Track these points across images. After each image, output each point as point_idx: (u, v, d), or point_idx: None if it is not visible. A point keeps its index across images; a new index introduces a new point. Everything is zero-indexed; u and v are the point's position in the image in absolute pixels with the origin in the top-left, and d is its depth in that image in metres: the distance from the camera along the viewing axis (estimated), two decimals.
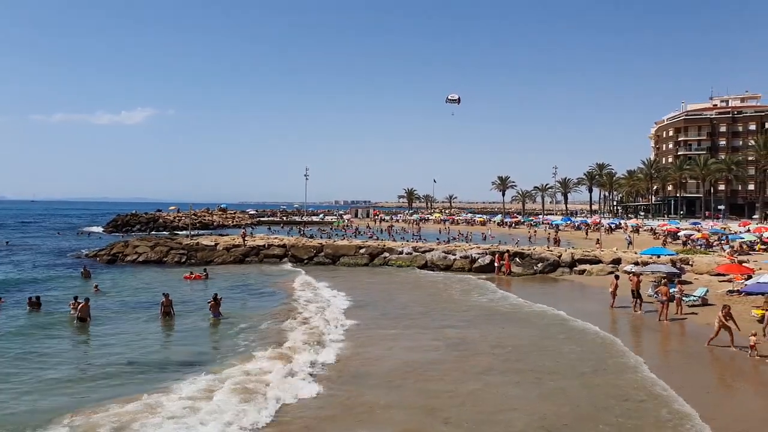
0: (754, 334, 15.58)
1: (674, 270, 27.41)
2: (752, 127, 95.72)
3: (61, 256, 44.55)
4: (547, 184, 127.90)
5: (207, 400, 11.84)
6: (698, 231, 55.88)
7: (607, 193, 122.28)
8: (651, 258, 32.40)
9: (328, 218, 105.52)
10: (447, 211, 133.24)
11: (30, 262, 40.41)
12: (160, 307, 21.21)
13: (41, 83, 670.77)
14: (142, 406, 11.44)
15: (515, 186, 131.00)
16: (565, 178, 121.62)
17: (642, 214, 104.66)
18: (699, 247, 44.22)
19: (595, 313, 21.85)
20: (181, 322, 20.47)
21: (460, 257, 36.20)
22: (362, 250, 38.89)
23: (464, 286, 29.63)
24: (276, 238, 46.35)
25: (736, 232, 53.93)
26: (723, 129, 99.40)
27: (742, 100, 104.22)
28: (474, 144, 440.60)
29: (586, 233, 65.78)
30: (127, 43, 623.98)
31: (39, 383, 13.47)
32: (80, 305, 20.19)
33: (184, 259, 38.77)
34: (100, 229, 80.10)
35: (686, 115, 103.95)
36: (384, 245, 40.24)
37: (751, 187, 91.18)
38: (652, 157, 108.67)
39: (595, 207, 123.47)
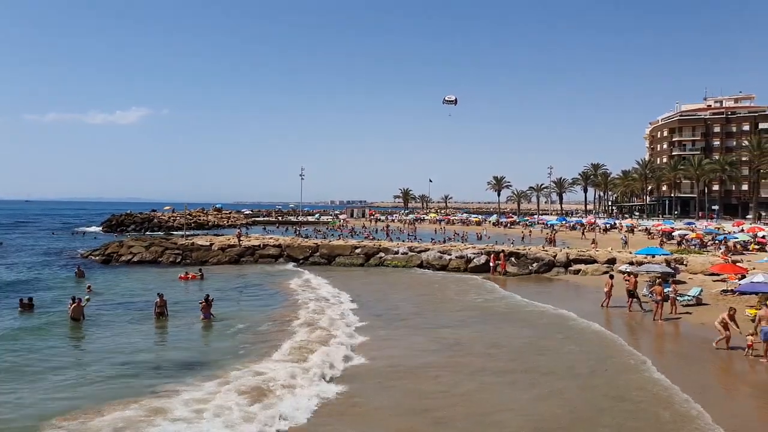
0: (751, 334, 15.67)
1: (669, 270, 27.52)
2: (746, 127, 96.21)
3: (56, 256, 44.33)
4: (542, 184, 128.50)
5: (204, 402, 11.71)
6: (692, 231, 56.16)
7: (602, 193, 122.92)
8: (646, 258, 32.52)
9: (324, 218, 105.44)
10: (443, 211, 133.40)
11: (24, 262, 40.19)
12: (154, 307, 21.10)
13: (34, 83, 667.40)
14: (142, 410, 11.27)
15: (510, 186, 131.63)
16: (560, 178, 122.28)
17: (637, 214, 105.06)
18: (693, 247, 44.41)
19: (590, 312, 21.87)
20: (175, 323, 20.32)
21: (456, 257, 36.24)
22: (358, 250, 38.87)
23: (461, 285, 29.65)
24: (271, 238, 46.30)
25: (730, 232, 54.21)
26: (717, 129, 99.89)
27: (736, 100, 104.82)
28: (469, 144, 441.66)
29: (583, 233, 65.98)
30: (121, 43, 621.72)
31: (33, 384, 13.33)
32: (72, 306, 20.06)
33: (179, 260, 38.66)
34: (96, 229, 79.86)
35: (680, 116, 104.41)
36: (380, 245, 40.24)
37: (745, 187, 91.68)
38: (647, 158, 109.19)
39: (590, 207, 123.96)
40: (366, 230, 68.62)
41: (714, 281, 27.21)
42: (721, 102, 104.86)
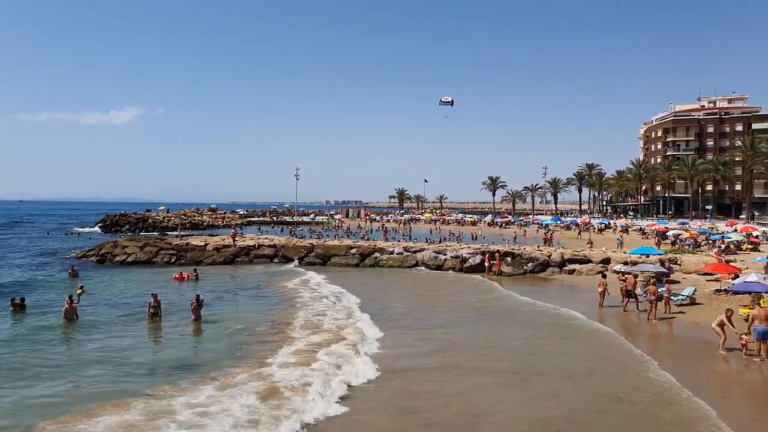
0: (745, 333, 15.77)
1: (663, 269, 27.63)
2: (739, 128, 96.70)
3: (50, 256, 44.11)
4: (537, 185, 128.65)
5: (203, 406, 11.62)
6: (686, 231, 56.40)
7: (596, 193, 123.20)
8: (640, 258, 32.65)
9: (319, 218, 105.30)
10: (438, 212, 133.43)
11: (18, 263, 39.96)
12: (148, 308, 20.99)
13: (28, 83, 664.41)
14: (136, 414, 11.17)
15: (505, 186, 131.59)
16: (555, 179, 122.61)
17: (631, 214, 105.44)
18: (687, 246, 44.61)
19: (585, 312, 21.92)
20: (168, 324, 20.17)
21: (451, 257, 36.29)
22: (353, 251, 38.86)
23: (456, 285, 29.72)
24: (266, 238, 46.21)
25: (723, 232, 54.48)
26: (710, 130, 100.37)
27: (729, 101, 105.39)
28: (464, 144, 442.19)
29: (579, 233, 66.17)
30: (116, 42, 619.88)
31: (22, 389, 13.17)
32: (64, 307, 19.88)
33: (173, 260, 38.53)
34: (92, 229, 79.49)
35: (674, 116, 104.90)
36: (375, 245, 40.23)
37: (738, 187, 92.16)
38: (641, 158, 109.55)
39: (584, 207, 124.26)
40: (362, 230, 68.60)
41: (708, 281, 27.33)
42: (715, 102, 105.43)
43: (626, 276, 25.18)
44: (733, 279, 24.95)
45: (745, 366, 14.88)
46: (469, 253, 36.20)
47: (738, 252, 40.95)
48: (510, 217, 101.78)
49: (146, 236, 53.54)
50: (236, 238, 43.18)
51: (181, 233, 53.86)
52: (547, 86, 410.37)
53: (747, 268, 28.73)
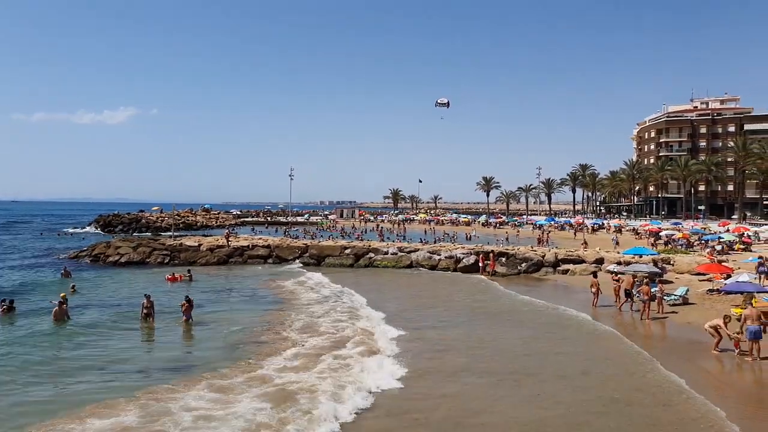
0: (738, 333, 15.86)
1: (656, 270, 27.74)
2: (731, 128, 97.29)
3: (42, 257, 43.82)
4: (531, 185, 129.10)
5: (199, 409, 11.51)
6: (679, 231, 56.69)
7: (590, 194, 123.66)
8: (633, 258, 32.78)
9: (313, 219, 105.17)
10: (432, 212, 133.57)
11: (10, 264, 39.65)
12: (141, 309, 20.83)
13: (22, 82, 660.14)
14: (131, 416, 11.07)
15: (499, 187, 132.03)
16: (549, 179, 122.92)
17: (624, 214, 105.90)
18: (680, 247, 44.84)
19: (578, 312, 21.99)
20: (161, 325, 19.98)
21: (445, 257, 36.32)
22: (347, 251, 38.81)
23: (451, 285, 29.73)
24: (260, 238, 46.10)
25: (715, 232, 54.79)
26: (703, 131, 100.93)
27: (722, 102, 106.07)
28: (459, 145, 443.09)
29: (575, 234, 66.40)
30: (111, 42, 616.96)
31: (12, 392, 13.03)
32: (54, 309, 19.67)
33: (167, 260, 38.36)
34: (86, 229, 79.10)
35: (667, 117, 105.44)
36: (369, 246, 40.20)
37: (731, 187, 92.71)
38: (635, 158, 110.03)
39: (578, 207, 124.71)
40: (356, 231, 68.58)
41: (700, 281, 27.47)
42: (708, 103, 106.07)
43: (620, 276, 25.28)
44: (726, 279, 25.09)
45: (738, 365, 14.95)
46: (464, 254, 36.24)
47: (730, 252, 41.20)
48: (504, 218, 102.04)
49: (139, 237, 53.30)
50: (230, 239, 43.02)
51: (175, 234, 53.65)
52: (541, 87, 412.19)
53: (739, 268, 28.90)
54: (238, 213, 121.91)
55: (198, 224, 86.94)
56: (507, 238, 56.89)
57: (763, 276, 26.30)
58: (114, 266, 37.41)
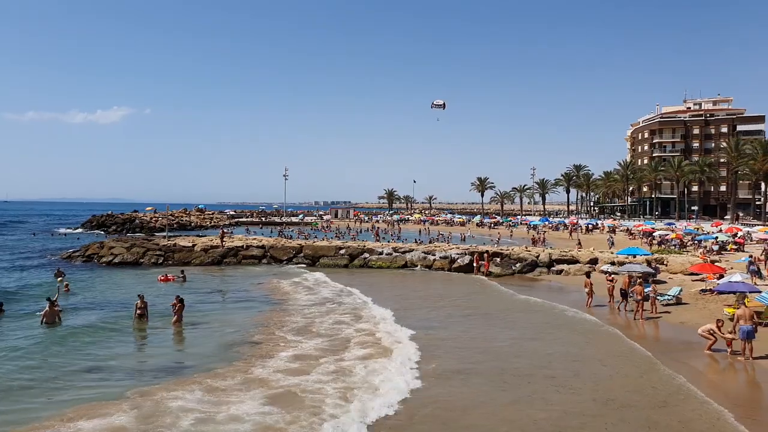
0: (730, 332, 15.94)
1: (649, 270, 27.85)
2: (724, 129, 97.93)
3: (35, 257, 43.53)
4: (525, 185, 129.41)
5: (197, 411, 11.45)
6: (672, 231, 56.93)
7: (584, 194, 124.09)
8: (627, 258, 32.90)
9: (308, 219, 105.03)
10: (427, 212, 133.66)
11: (1, 264, 39.32)
12: (134, 309, 20.73)
13: (13, 81, 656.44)
14: (126, 417, 10.99)
15: (494, 187, 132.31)
16: (543, 179, 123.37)
17: (618, 214, 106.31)
18: (673, 247, 45.03)
19: (572, 312, 22.04)
20: (155, 326, 19.89)
21: (440, 257, 36.34)
22: (342, 251, 38.77)
23: (446, 285, 29.79)
24: (255, 239, 45.96)
25: (709, 233, 55.05)
26: (696, 131, 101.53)
27: (715, 103, 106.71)
28: (453, 145, 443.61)
29: (570, 234, 66.56)
30: (104, 42, 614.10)
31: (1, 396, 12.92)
32: (45, 310, 19.54)
33: (161, 261, 38.19)
34: (78, 230, 78.65)
35: (661, 118, 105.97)
36: (364, 246, 40.15)
37: (723, 188, 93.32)
38: (628, 159, 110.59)
39: (572, 208, 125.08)
40: (351, 231, 68.50)
41: (693, 281, 27.60)
42: (701, 104, 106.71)
43: (614, 276, 25.37)
44: (718, 279, 25.20)
45: (731, 365, 15.02)
46: (458, 254, 36.28)
47: (723, 252, 41.41)
48: (498, 218, 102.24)
49: (133, 237, 53.04)
50: (224, 239, 42.84)
51: (169, 234, 53.45)
52: (535, 87, 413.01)
53: (732, 268, 29.05)
54: (233, 213, 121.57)
55: (192, 224, 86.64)
56: (498, 239, 56.56)
57: (753, 275, 26.45)
58: (107, 267, 37.20)
